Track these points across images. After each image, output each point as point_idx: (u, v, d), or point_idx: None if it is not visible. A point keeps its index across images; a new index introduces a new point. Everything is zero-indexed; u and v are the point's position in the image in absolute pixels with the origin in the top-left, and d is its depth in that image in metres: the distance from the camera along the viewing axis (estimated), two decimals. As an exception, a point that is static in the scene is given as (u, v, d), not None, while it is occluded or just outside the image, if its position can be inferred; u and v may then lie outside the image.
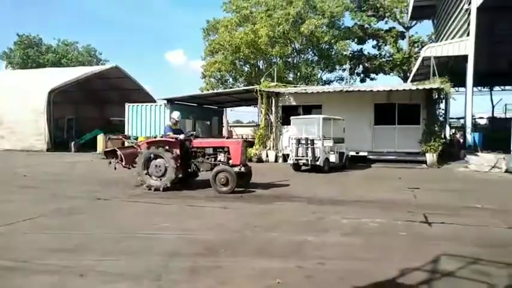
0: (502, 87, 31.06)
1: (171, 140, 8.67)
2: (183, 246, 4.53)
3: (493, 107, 29.96)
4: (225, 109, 28.21)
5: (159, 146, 8.55)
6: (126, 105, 20.69)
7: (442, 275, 3.67)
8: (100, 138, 18.45)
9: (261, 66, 29.69)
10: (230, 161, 8.56)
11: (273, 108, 17.05)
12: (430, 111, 15.36)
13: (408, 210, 6.58)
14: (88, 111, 27.50)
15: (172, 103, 19.89)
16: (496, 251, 4.39)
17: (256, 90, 16.89)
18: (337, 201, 7.56)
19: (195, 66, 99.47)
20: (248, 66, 30.14)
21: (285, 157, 15.40)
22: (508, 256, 4.17)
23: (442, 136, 17.40)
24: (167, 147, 8.48)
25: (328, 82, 32.93)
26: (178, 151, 8.55)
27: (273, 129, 17.04)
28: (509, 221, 5.85)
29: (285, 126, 16.30)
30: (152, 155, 8.56)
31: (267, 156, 16.38)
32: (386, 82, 40.62)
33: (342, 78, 32.36)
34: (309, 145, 12.11)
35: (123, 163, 9.05)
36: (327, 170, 12.15)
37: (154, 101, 22.77)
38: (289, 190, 8.90)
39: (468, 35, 14.91)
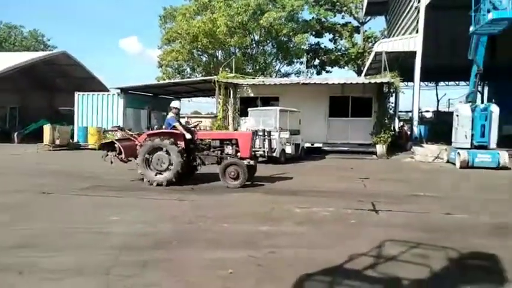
0: (447, 82, 33.14)
1: (176, 132, 8.18)
2: (133, 240, 4.41)
3: (438, 101, 31.96)
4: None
5: (164, 138, 7.97)
6: (76, 94, 19.64)
7: (386, 259, 3.86)
8: (46, 129, 17.39)
9: (219, 57, 29.40)
10: (238, 154, 8.20)
11: (231, 100, 16.98)
12: (381, 104, 16.07)
13: (358, 199, 6.84)
14: (34, 99, 25.78)
15: (126, 92, 19.16)
16: (435, 235, 4.70)
17: (214, 80, 16.72)
18: (292, 191, 7.70)
19: (151, 54, 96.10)
20: (206, 56, 29.74)
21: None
22: (445, 240, 4.48)
23: (392, 128, 18.29)
24: (172, 140, 7.97)
25: (287, 75, 33.36)
26: (183, 144, 8.08)
27: (231, 121, 17.00)
28: (448, 207, 6.26)
29: (243, 118, 16.32)
30: (154, 148, 7.99)
31: (225, 147, 16.31)
32: (342, 75, 41.87)
33: (299, 71, 32.89)
34: (266, 137, 12.21)
35: (123, 156, 8.31)
36: (283, 161, 12.35)
37: (108, 91, 21.82)
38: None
39: (417, 32, 15.68)
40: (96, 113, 18.92)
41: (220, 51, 29.16)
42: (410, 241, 4.37)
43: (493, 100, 22.85)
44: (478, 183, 9.29)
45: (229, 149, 8.34)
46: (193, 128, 8.75)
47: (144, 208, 6.19)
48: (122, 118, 18.52)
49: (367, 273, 3.51)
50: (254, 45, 30.17)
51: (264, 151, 12.25)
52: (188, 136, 8.13)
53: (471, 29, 11.15)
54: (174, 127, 8.28)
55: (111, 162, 8.51)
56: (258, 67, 29.75)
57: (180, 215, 5.61)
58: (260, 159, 12.71)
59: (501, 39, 20.51)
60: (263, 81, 16.45)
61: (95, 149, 17.16)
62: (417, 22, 15.59)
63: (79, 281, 3.30)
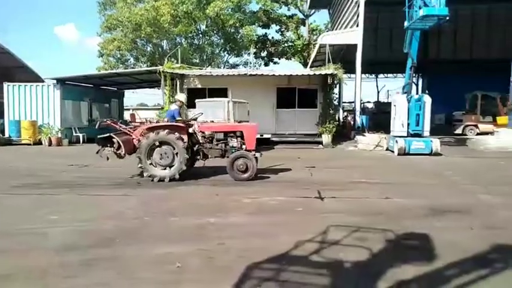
0: (386, 75, 35.08)
1: (181, 125, 7.80)
2: (75, 239, 4.18)
3: (378, 92, 33.78)
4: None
5: (169, 132, 7.52)
6: (5, 85, 17.98)
7: (330, 244, 4.04)
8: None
9: (165, 47, 28.52)
10: (243, 146, 7.98)
11: (178, 91, 16.57)
12: (326, 95, 16.64)
13: (305, 188, 7.06)
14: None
15: (64, 83, 17.92)
16: (375, 219, 5.00)
17: (159, 71, 16.19)
18: (240, 182, 7.74)
19: (91, 43, 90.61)
20: (151, 45, 28.68)
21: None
22: (383, 223, 4.78)
23: (336, 119, 19.06)
24: (177, 134, 7.54)
25: (235, 66, 33.23)
26: (186, 137, 7.68)
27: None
28: (387, 192, 6.67)
29: (191, 110, 16.02)
30: (157, 142, 7.51)
31: (173, 140, 15.95)
32: (289, 67, 42.69)
33: (247, 63, 32.94)
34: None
35: (122, 151, 7.71)
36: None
37: (42, 81, 20.24)
38: (193, 173, 8.82)
39: (357, 26, 16.36)
40: (30, 106, 17.46)
41: (165, 41, 28.27)
42: (352, 225, 4.61)
43: (427, 91, 24.63)
44: (413, 169, 9.98)
45: (234, 142, 8.09)
46: (194, 121, 8.37)
47: (86, 205, 5.88)
48: (60, 111, 17.32)
49: (312, 258, 3.65)
50: (201, 35, 29.65)
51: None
52: (195, 127, 7.78)
53: (405, 24, 11.87)
54: (178, 120, 7.90)
55: (108, 159, 7.95)
56: (205, 58, 29.33)
57: (126, 211, 5.41)
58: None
59: (432, 35, 22.17)
60: (210, 72, 16.25)
61: (30, 144, 15.97)
62: (357, 16, 16.26)
63: (15, 286, 3.07)
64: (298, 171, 9.15)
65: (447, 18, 10.88)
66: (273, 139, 16.39)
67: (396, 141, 12.56)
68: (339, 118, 22.21)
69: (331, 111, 16.84)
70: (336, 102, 20.29)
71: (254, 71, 18.65)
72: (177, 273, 3.31)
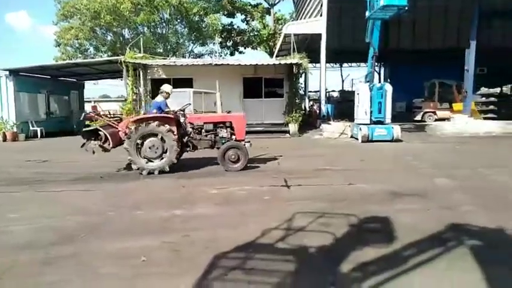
0: (350, 64, 35.79)
1: (170, 116, 7.68)
2: (36, 237, 4.01)
3: (343, 81, 34.47)
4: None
5: (159, 124, 7.35)
6: (-50, 76, 16.75)
7: (296, 230, 4.12)
8: None
9: (126, 36, 27.56)
10: (233, 137, 8.02)
11: (141, 81, 16.14)
12: (292, 84, 16.78)
13: (272, 176, 7.14)
14: None
15: (17, 75, 16.93)
16: (338, 205, 5.15)
17: (121, 61, 15.66)
18: (208, 173, 7.71)
19: (46, 32, 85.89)
20: (111, 34, 27.60)
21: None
22: (346, 208, 4.93)
23: (302, 108, 19.29)
24: (167, 126, 7.40)
25: (200, 55, 32.74)
26: (176, 129, 7.56)
27: (143, 104, 16.21)
28: (351, 178, 6.87)
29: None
30: (147, 134, 7.36)
31: (137, 132, 15.55)
32: (255, 56, 42.60)
33: (213, 52, 32.55)
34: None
35: (110, 144, 7.57)
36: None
37: (-7, 72, 19.00)
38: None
39: (321, 15, 16.53)
40: (-20, 99, 16.41)
41: (126, 30, 27.31)
42: (317, 212, 4.73)
43: (388, 80, 25.44)
44: (376, 155, 10.32)
45: (223, 132, 8.10)
46: (182, 112, 8.20)
47: (47, 202, 5.63)
48: (14, 104, 16.38)
49: (278, 245, 3.72)
50: (164, 24, 28.86)
51: (178, 134, 12.00)
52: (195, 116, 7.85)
53: (367, 14, 12.13)
54: (167, 112, 7.82)
55: (93, 152, 7.78)
56: (169, 47, 28.63)
57: (88, 206, 5.25)
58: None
59: (393, 25, 22.80)
60: (174, 62, 15.91)
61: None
62: (321, 6, 16.42)
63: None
64: (266, 161, 9.22)
65: (406, 8, 11.21)
66: (241, 129, 16.35)
67: (360, 129, 12.92)
68: (305, 107, 22.49)
69: (297, 101, 17.02)
70: (302, 92, 20.50)
71: (220, 60, 18.48)
72: (142, 267, 3.27)
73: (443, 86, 20.53)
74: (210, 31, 28.58)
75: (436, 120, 19.62)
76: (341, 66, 35.06)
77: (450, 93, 20.32)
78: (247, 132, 15.90)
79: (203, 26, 28.72)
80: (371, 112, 12.90)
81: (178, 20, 29.08)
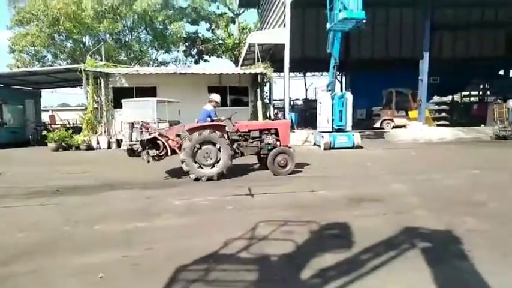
0: (313, 73, 36.70)
1: (222, 124, 8.01)
2: (-18, 257, 3.80)
3: (306, 90, 35.24)
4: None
5: (212, 131, 7.63)
6: None
7: (258, 239, 4.18)
8: None
9: (87, 43, 26.72)
10: (278, 143, 8.36)
11: (103, 90, 15.71)
12: (257, 93, 16.96)
13: (237, 186, 7.17)
14: None
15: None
16: (301, 212, 5.26)
17: (81, 69, 15.18)
18: (173, 183, 7.62)
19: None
20: (71, 42, 26.66)
21: (119, 143, 14.54)
22: (308, 215, 5.05)
23: (268, 116, 19.51)
24: (221, 133, 7.71)
25: (164, 63, 32.33)
26: (227, 136, 7.93)
27: (104, 113, 15.77)
28: (313, 185, 7.04)
29: (118, 110, 15.31)
30: (200, 142, 7.59)
31: (98, 142, 15.10)
32: (220, 65, 42.68)
33: (177, 60, 32.26)
34: (144, 129, 11.71)
35: (168, 153, 7.85)
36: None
37: None
38: (122, 177, 8.49)
39: (285, 26, 16.89)
40: None
41: (87, 37, 26.49)
42: (280, 220, 4.81)
43: (349, 88, 26.29)
44: (337, 162, 10.63)
45: (269, 139, 8.41)
46: (229, 119, 8.47)
47: (-3, 219, 5.34)
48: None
49: (241, 255, 3.75)
50: (127, 31, 28.29)
51: (142, 144, 11.78)
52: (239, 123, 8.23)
53: (327, 26, 12.56)
54: (217, 120, 8.17)
55: (148, 161, 7.91)
56: (133, 55, 28.08)
57: (43, 221, 5.03)
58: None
59: (353, 36, 23.70)
60: (137, 71, 15.63)
61: None
62: (284, 17, 16.78)
63: None
64: (231, 170, 9.21)
65: (364, 21, 11.71)
66: (206, 138, 16.27)
67: (322, 137, 13.26)
68: (270, 115, 22.75)
69: (262, 109, 17.22)
70: (266, 100, 20.76)
71: (184, 69, 18.38)
72: (99, 284, 3.18)
73: (400, 94, 21.53)
74: (174, 39, 28.32)
75: (393, 127, 20.51)
76: (305, 75, 35.87)
77: (406, 101, 21.35)
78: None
79: (167, 33, 28.42)
80: (333, 120, 13.29)
81: (142, 28, 28.63)
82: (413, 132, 17.14)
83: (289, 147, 8.50)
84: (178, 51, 30.60)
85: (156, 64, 30.59)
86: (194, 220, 5.04)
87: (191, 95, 16.08)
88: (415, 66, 18.91)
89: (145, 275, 3.34)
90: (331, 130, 13.31)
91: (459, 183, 7.18)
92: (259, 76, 16.61)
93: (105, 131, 15.67)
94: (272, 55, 19.85)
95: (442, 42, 26.43)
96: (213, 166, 7.74)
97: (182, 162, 7.64)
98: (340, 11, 11.58)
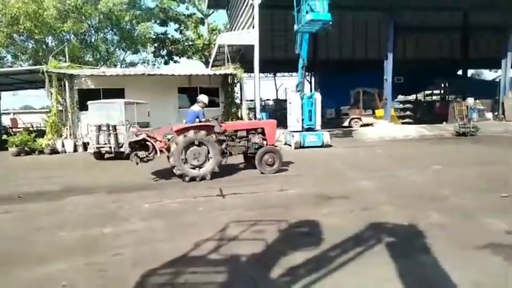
0: (283, 73, 37.10)
1: (210, 124, 8.14)
2: None
3: (277, 90, 35.56)
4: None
5: (200, 132, 7.68)
6: None
7: (229, 240, 4.17)
8: None
9: (50, 44, 25.65)
10: (264, 142, 8.50)
11: (67, 92, 15.15)
12: (227, 94, 16.93)
13: (208, 187, 7.12)
14: None
15: None
16: (271, 211, 5.30)
17: (43, 71, 14.57)
18: (141, 186, 7.44)
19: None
20: (33, 42, 25.52)
21: (86, 146, 14.07)
22: (279, 214, 5.10)
23: (239, 116, 19.50)
24: (210, 134, 7.83)
25: (133, 64, 31.58)
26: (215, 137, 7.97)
27: (69, 116, 15.21)
28: (284, 184, 7.10)
29: (84, 112, 14.80)
30: (188, 144, 7.62)
31: (63, 146, 14.54)
32: (190, 66, 42.27)
33: (146, 61, 31.62)
34: (111, 131, 11.43)
35: (157, 155, 7.78)
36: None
37: None
38: (88, 181, 8.22)
39: (254, 27, 16.96)
40: None
41: (50, 37, 25.44)
42: (251, 220, 4.83)
43: (318, 89, 26.76)
44: (307, 161, 10.76)
45: (256, 138, 8.53)
46: (216, 120, 8.59)
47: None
48: None
49: (211, 257, 3.74)
50: (93, 32, 27.42)
51: (110, 147, 11.48)
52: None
53: (295, 27, 12.71)
54: (205, 121, 8.27)
55: (137, 163, 7.83)
56: (99, 56, 27.24)
57: (4, 229, 4.81)
58: (106, 156, 11.91)
59: (321, 37, 24.14)
60: (104, 72, 15.17)
61: None
62: (253, 18, 16.86)
63: None
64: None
65: (330, 23, 11.94)
66: (177, 140, 16.04)
67: (292, 136, 13.41)
68: (241, 116, 22.76)
69: (233, 110, 17.19)
70: (238, 101, 20.75)
71: (153, 70, 18.06)
72: (64, 292, 3.08)
73: (367, 94, 22.15)
74: (142, 40, 27.71)
75: (361, 125, 21.06)
76: (275, 75, 36.19)
77: (373, 100, 21.98)
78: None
79: (135, 34, 27.76)
80: (302, 120, 13.46)
81: (109, 28, 27.83)
82: (380, 130, 17.68)
83: (276, 146, 8.71)
84: (147, 52, 29.99)
85: (124, 65, 29.83)
86: (163, 223, 4.96)
87: (161, 96, 15.84)
88: (381, 67, 19.51)
89: (111, 282, 3.26)
90: (301, 129, 13.47)
91: (423, 179, 7.47)
92: (229, 77, 16.56)
93: (70, 134, 15.12)
94: (242, 56, 19.88)
95: (405, 44, 27.43)
96: (202, 166, 7.77)
97: (173, 167, 7.61)
98: (307, 12, 11.74)
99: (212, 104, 17.19)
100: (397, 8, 19.56)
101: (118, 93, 14.91)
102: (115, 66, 27.81)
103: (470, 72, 32.57)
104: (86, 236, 4.48)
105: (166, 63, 34.47)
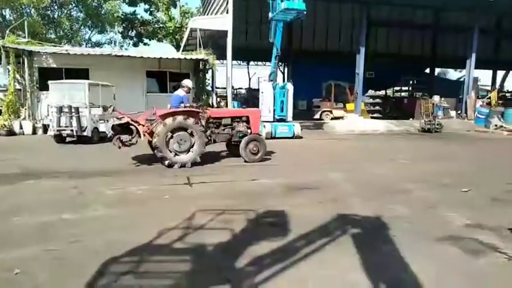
0: (256, 62, 36.82)
1: (197, 110, 8.02)
2: None
3: (250, 79, 35.30)
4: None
5: (187, 118, 7.55)
6: None
7: (195, 229, 4.07)
8: None
9: (7, 17, 24.08)
10: (249, 131, 8.46)
11: (26, 70, 14.27)
12: (198, 80, 16.58)
13: (175, 174, 6.95)
14: None
15: None
16: (240, 200, 5.24)
17: (-1, 46, 13.64)
18: (104, 172, 7.15)
19: None
20: (-12, 14, 23.85)
21: (46, 128, 13.37)
22: (247, 203, 5.04)
23: (210, 104, 19.21)
24: (194, 120, 7.66)
25: (99, 44, 30.32)
26: (200, 122, 7.86)
27: (28, 96, 14.37)
28: (254, 174, 7.05)
29: (44, 92, 14.03)
30: (174, 128, 7.47)
31: (21, 127, 13.74)
32: (161, 49, 41.11)
33: (113, 41, 30.42)
34: (74, 114, 10.91)
35: (140, 138, 7.58)
36: (97, 141, 11.35)
37: None
38: (48, 165, 7.81)
39: (228, 12, 16.63)
40: None
41: (8, 10, 23.83)
42: (218, 209, 4.73)
43: (291, 80, 26.85)
44: (278, 151, 10.76)
45: (240, 126, 8.50)
46: (200, 106, 8.53)
47: None
48: None
49: (175, 245, 3.63)
50: (56, 7, 25.93)
51: (72, 130, 10.97)
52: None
53: (270, 15, 12.57)
54: (190, 106, 8.14)
55: (119, 147, 7.60)
56: (63, 33, 25.87)
57: (-51, 215, 4.44)
58: (68, 139, 11.36)
59: (295, 27, 24.12)
60: (67, 51, 14.40)
61: None
62: (227, 3, 16.51)
63: None
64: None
65: (305, 12, 11.90)
66: (144, 125, 15.57)
67: (264, 126, 13.33)
68: (212, 103, 22.45)
69: (204, 97, 16.89)
70: (209, 88, 20.43)
71: (120, 52, 17.34)
72: (13, 281, 2.87)
73: (339, 87, 22.40)
74: (109, 18, 26.52)
75: (332, 118, 21.31)
76: (248, 64, 35.84)
77: (344, 94, 22.27)
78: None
79: (102, 12, 26.51)
80: (274, 110, 13.43)
81: (73, 4, 26.42)
82: (350, 124, 18.00)
83: (260, 135, 8.74)
84: (114, 32, 28.80)
85: (89, 45, 28.59)
86: (127, 210, 4.78)
87: (128, 79, 15.27)
88: (353, 61, 19.76)
89: (68, 269, 3.09)
90: (272, 120, 13.44)
91: (389, 172, 7.66)
92: (201, 62, 16.21)
93: (29, 115, 14.31)
94: (215, 42, 19.49)
95: (377, 39, 27.90)
96: (187, 152, 7.64)
97: (155, 149, 7.50)
98: (282, 0, 11.62)
99: (183, 89, 16.86)
100: (372, 1, 19.79)
101: (82, 74, 14.24)
102: (80, 45, 26.59)
103: (437, 70, 33.72)
104: (43, 222, 4.22)
105: (135, 45, 33.37)
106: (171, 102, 8.67)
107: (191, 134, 7.64)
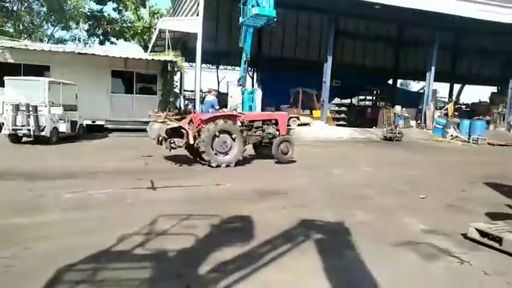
0: (226, 66, 36.74)
1: (235, 114, 8.69)
2: None
3: (219, 83, 35.16)
4: None
5: (227, 121, 8.16)
6: None
7: (157, 234, 3.97)
8: None
9: (-38, 7, 22.65)
10: (277, 132, 9.08)
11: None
12: (166, 82, 16.29)
13: (138, 178, 6.75)
14: None
15: None
16: (204, 206, 5.18)
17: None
18: (63, 174, 6.83)
19: None
20: None
21: (0, 127, 12.61)
22: (212, 208, 4.99)
23: (177, 106, 18.93)
24: (234, 123, 8.30)
25: (62, 41, 29.12)
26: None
27: (-17, 92, 13.50)
28: (220, 179, 6.99)
29: (0, 89, 13.25)
30: (217, 132, 8.00)
31: (-27, 125, 12.87)
32: (128, 49, 40.02)
33: (77, 38, 29.30)
34: (32, 112, 10.36)
35: (189, 142, 7.96)
36: (55, 141, 10.84)
37: None
38: (1, 166, 7.35)
39: (198, 15, 16.50)
40: None
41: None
42: (182, 214, 4.64)
43: (260, 85, 27.01)
44: (245, 156, 10.78)
45: (270, 129, 9.10)
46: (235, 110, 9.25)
47: None
48: None
49: (136, 251, 3.52)
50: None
51: (29, 130, 10.41)
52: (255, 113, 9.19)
53: (240, 19, 12.62)
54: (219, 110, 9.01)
55: (170, 150, 8.06)
56: (22, 27, 24.62)
57: None
58: (24, 139, 10.78)
59: (265, 33, 24.33)
60: (26, 46, 13.70)
61: None
62: (198, 5, 16.39)
63: None
64: (132, 161, 8.69)
65: (275, 19, 12.06)
66: (107, 126, 15.09)
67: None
68: (180, 106, 22.14)
69: (171, 99, 16.61)
70: (177, 90, 20.11)
71: (84, 49, 16.73)
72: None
73: (306, 94, 22.77)
74: (74, 14, 25.53)
75: (299, 125, 21.63)
76: (217, 67, 35.69)
77: (311, 101, 22.67)
78: (116, 130, 14.95)
79: (66, 8, 25.49)
80: (242, 115, 13.43)
81: (35, -2, 25.29)
82: (316, 131, 18.34)
83: (289, 136, 9.58)
84: (79, 29, 27.78)
85: (52, 41, 27.35)
86: (86, 215, 4.59)
87: (92, 78, 14.74)
88: (320, 69, 20.19)
89: (19, 278, 2.91)
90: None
91: (353, 178, 7.86)
92: (169, 64, 15.95)
93: (-18, 112, 13.44)
94: (184, 44, 19.30)
95: (343, 49, 28.71)
96: (227, 154, 8.18)
97: (203, 152, 7.96)
98: (253, 6, 11.72)
99: (149, 91, 16.52)
100: (340, 13, 20.35)
101: (42, 71, 13.58)
102: (41, 40, 25.41)
103: (399, 82, 35.18)
104: (-9, 227, 3.96)
105: (102, 43, 32.34)
106: (204, 106, 9.77)
107: (231, 136, 8.19)
